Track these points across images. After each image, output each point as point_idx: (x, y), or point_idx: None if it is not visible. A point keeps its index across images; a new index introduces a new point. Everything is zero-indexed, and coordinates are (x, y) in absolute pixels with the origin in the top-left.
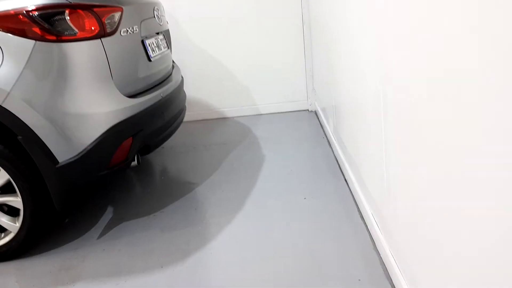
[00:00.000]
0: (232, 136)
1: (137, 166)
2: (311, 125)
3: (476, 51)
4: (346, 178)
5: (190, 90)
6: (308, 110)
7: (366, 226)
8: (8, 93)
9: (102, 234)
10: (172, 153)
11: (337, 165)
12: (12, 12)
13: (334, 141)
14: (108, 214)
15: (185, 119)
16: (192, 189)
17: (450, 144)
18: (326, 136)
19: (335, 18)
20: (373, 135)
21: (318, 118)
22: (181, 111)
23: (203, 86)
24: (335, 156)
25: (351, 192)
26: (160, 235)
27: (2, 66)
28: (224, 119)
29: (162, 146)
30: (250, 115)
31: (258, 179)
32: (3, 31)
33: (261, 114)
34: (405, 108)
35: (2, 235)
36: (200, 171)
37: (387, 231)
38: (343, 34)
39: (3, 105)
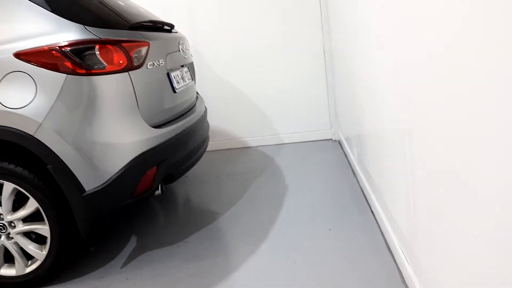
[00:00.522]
0: (254, 165)
1: (161, 195)
2: (335, 154)
3: (502, 91)
4: (372, 209)
5: (214, 120)
6: (331, 139)
7: (394, 260)
8: (40, 124)
9: (126, 263)
10: (196, 182)
11: (363, 196)
12: (46, 48)
13: (359, 171)
14: (132, 243)
15: (208, 148)
16: (215, 218)
17: (482, 178)
18: (351, 166)
19: (357, 47)
20: (399, 165)
21: (342, 147)
22: (205, 140)
23: (226, 116)
24: (360, 186)
25: (377, 223)
26: (184, 265)
27: (35, 99)
28: (246, 148)
29: (185, 175)
30: (272, 145)
31: (282, 209)
32: (37, 65)
33: (283, 144)
34: (430, 140)
35: (29, 262)
36: (223, 201)
37: (416, 265)
38: (366, 63)
39: (35, 136)
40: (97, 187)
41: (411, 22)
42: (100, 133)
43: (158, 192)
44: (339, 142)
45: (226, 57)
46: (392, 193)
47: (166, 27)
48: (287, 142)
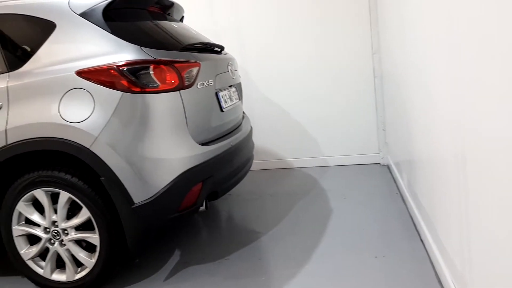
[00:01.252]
0: (298, 186)
1: (204, 211)
2: (383, 179)
3: None
4: (422, 237)
5: (259, 140)
6: (380, 163)
7: None
8: (96, 138)
9: (168, 276)
10: (239, 201)
11: (412, 223)
12: (105, 67)
13: (409, 198)
14: (176, 257)
15: (253, 167)
16: (257, 238)
17: None
18: (400, 192)
19: (411, 70)
20: (452, 193)
21: (390, 172)
22: (249, 159)
23: (271, 136)
24: (409, 213)
25: (427, 253)
26: (224, 283)
27: (92, 114)
28: (291, 169)
29: (229, 193)
30: (317, 166)
31: (325, 233)
32: (96, 83)
33: (329, 166)
34: (487, 168)
35: (79, 269)
36: (266, 220)
37: None
38: (420, 87)
39: (91, 149)
40: (145, 200)
41: (467, 44)
42: (151, 149)
43: (202, 208)
44: (388, 167)
45: (273, 77)
46: (444, 222)
47: (216, 49)
48: (332, 164)
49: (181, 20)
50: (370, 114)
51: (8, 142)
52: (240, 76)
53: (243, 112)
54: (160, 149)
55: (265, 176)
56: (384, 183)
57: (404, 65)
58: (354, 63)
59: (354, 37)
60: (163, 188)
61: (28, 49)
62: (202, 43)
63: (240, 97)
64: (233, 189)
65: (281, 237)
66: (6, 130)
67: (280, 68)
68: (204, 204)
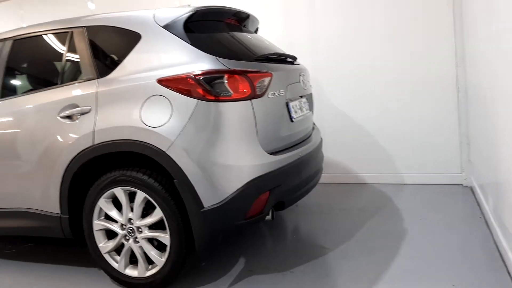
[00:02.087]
0: (370, 203)
1: (270, 221)
2: (465, 202)
3: None
4: (509, 269)
5: (329, 152)
6: (462, 184)
7: None
8: (172, 143)
9: (232, 283)
10: (306, 213)
11: (497, 252)
12: (183, 76)
13: (494, 224)
14: (240, 264)
15: (321, 180)
16: (324, 253)
17: None
18: (484, 217)
19: (501, 83)
20: None
21: (474, 195)
22: (318, 171)
23: (343, 149)
24: (494, 242)
25: None
26: None
27: (170, 120)
28: (362, 184)
29: (296, 204)
30: (392, 184)
31: (398, 255)
32: (174, 90)
33: (405, 184)
34: None
35: (150, 267)
36: (333, 236)
37: None
38: (509, 98)
39: (167, 152)
40: (214, 204)
41: None
42: (221, 155)
43: (269, 217)
44: (471, 189)
45: (347, 90)
46: None
47: (289, 59)
48: (409, 182)
49: (256, 31)
50: (452, 130)
51: (95, 143)
52: (311, 87)
53: (313, 123)
54: (230, 156)
55: (334, 190)
56: (466, 206)
57: (492, 77)
58: (435, 76)
59: (436, 48)
60: (231, 194)
61: (116, 58)
62: (275, 53)
63: (310, 107)
64: (301, 201)
65: (350, 255)
66: (93, 132)
67: (355, 80)
68: (270, 213)
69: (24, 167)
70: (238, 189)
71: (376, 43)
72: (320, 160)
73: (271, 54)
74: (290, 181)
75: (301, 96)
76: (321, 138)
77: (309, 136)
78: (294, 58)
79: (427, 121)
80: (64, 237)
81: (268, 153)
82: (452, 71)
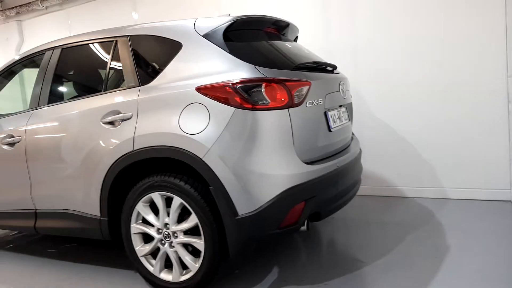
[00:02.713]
0: (410, 217)
1: (305, 232)
2: None
3: None
4: None
5: (368, 164)
6: (511, 201)
7: None
8: (209, 150)
9: None
10: (342, 225)
11: None
12: (221, 84)
13: None
14: (274, 274)
15: (360, 192)
16: (360, 267)
17: None
18: None
19: None
20: None
21: None
22: (356, 183)
23: (383, 161)
24: None
25: None
26: None
27: (207, 127)
28: (402, 198)
29: (332, 216)
30: (433, 198)
31: (440, 272)
32: (212, 98)
33: (448, 199)
34: None
35: (184, 272)
36: (370, 250)
37: None
38: None
39: (203, 159)
40: (249, 212)
41: None
42: (257, 163)
43: (304, 228)
44: None
45: (388, 100)
46: None
47: (328, 68)
48: (452, 197)
49: (295, 39)
50: (502, 143)
51: (135, 148)
52: (351, 96)
53: (352, 133)
54: (265, 164)
55: (373, 202)
56: None
57: None
58: (484, 87)
59: (485, 59)
60: (266, 202)
61: (157, 66)
62: (314, 62)
63: (350, 117)
64: (337, 213)
65: (387, 270)
66: (134, 137)
67: (397, 90)
68: (305, 224)
69: (68, 170)
70: (273, 198)
71: (421, 54)
72: (358, 171)
73: (310, 63)
74: (327, 192)
75: (340, 106)
76: (360, 149)
77: (348, 146)
78: (334, 67)
79: (474, 134)
80: (103, 239)
81: (305, 162)
82: (502, 82)
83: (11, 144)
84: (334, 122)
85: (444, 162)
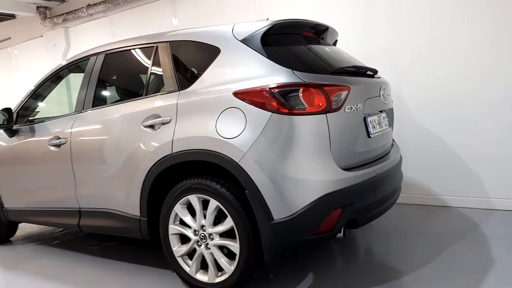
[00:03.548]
0: (452, 228)
1: (342, 239)
2: None
3: None
4: None
5: (409, 171)
6: None
7: None
8: (245, 154)
9: None
10: (381, 234)
11: None
12: (258, 89)
13: None
14: (308, 280)
15: (400, 200)
16: (398, 277)
17: None
18: None
19: None
20: None
21: None
22: (396, 190)
23: (425, 169)
24: None
25: None
26: None
27: (244, 132)
28: (445, 207)
29: (370, 224)
30: (479, 208)
31: (482, 286)
32: (249, 103)
33: (494, 210)
34: None
35: (219, 273)
36: (409, 260)
37: None
38: None
39: (239, 163)
40: (284, 217)
41: None
42: (293, 168)
43: (340, 235)
44: None
45: (431, 106)
46: None
47: (369, 72)
48: (499, 208)
49: (335, 43)
50: None
51: (173, 151)
52: (392, 102)
53: (393, 140)
54: (302, 170)
55: (413, 211)
56: None
57: None
58: None
59: None
60: (302, 208)
61: (196, 71)
62: (354, 66)
63: (390, 123)
64: (376, 221)
65: (426, 281)
66: (172, 141)
67: (441, 97)
68: (342, 231)
69: (110, 171)
70: (309, 204)
71: (466, 58)
72: (399, 178)
73: (349, 67)
74: (365, 199)
75: (380, 111)
76: (401, 156)
77: (388, 153)
78: (375, 71)
79: None
80: (142, 239)
81: (342, 168)
82: None
83: (58, 146)
84: (374, 127)
85: (491, 171)
